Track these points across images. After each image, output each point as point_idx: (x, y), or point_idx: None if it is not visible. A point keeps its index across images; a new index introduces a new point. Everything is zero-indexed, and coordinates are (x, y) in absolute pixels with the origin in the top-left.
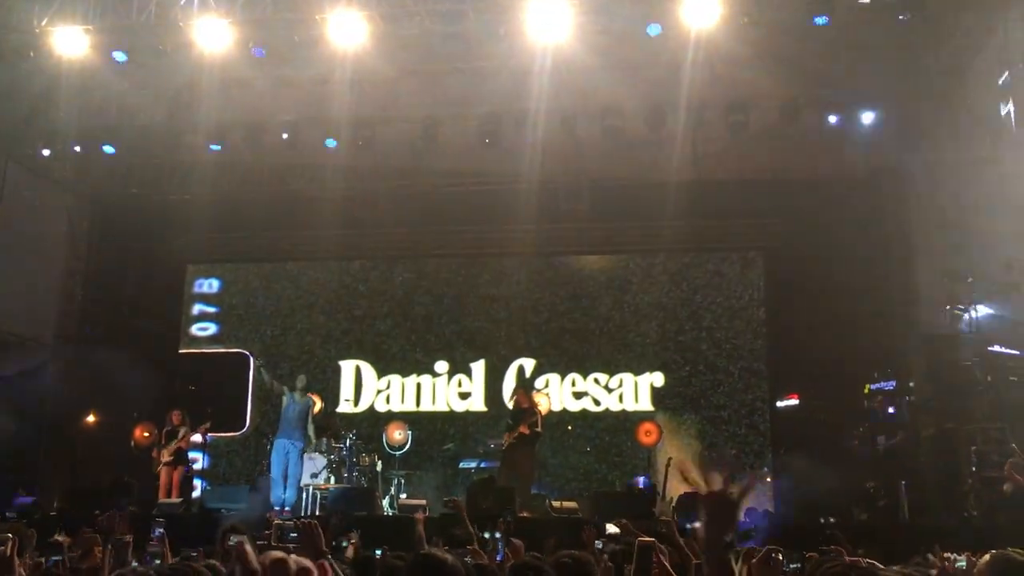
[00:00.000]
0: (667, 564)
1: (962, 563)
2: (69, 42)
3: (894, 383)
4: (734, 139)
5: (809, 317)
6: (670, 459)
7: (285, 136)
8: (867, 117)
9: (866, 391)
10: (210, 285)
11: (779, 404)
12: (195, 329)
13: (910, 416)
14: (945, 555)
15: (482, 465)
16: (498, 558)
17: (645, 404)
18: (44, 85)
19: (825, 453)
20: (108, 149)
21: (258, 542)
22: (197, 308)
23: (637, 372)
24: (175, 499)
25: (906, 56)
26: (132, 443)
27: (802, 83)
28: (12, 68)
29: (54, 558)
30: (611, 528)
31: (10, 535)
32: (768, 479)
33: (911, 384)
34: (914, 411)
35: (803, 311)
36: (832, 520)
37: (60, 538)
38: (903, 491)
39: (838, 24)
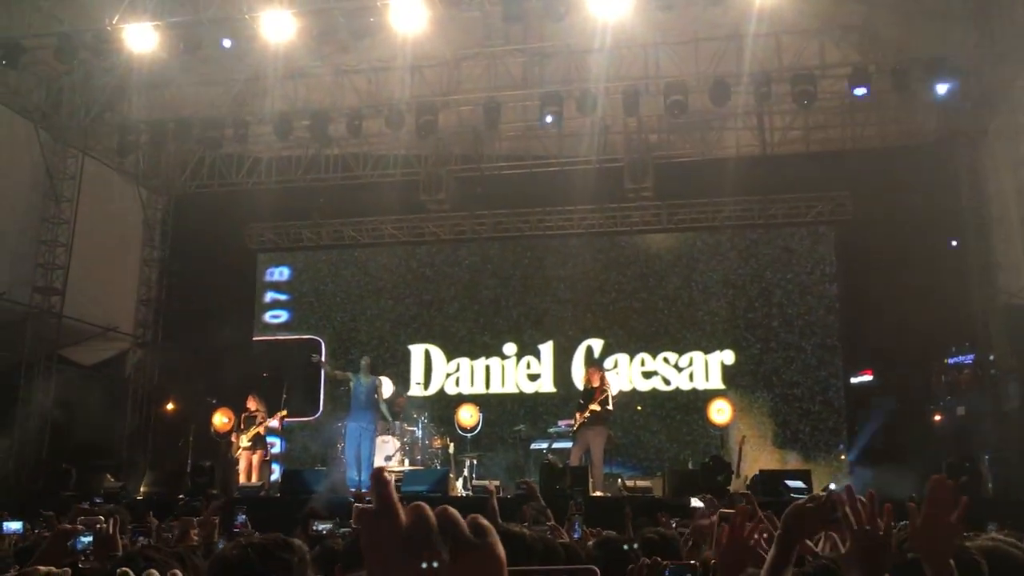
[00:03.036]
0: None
1: None
2: (139, 38)
3: (973, 356)
4: (801, 111)
5: (883, 291)
6: (743, 437)
7: (349, 124)
8: (940, 82)
9: (944, 364)
10: (281, 273)
11: (853, 380)
12: (268, 317)
13: (992, 389)
14: None
15: (553, 446)
16: (575, 536)
17: (716, 383)
18: (116, 81)
19: (902, 429)
20: (178, 142)
21: (341, 529)
22: (269, 296)
23: (707, 351)
24: (255, 482)
25: (980, 18)
26: (211, 429)
27: (871, 50)
28: (85, 65)
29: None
30: (695, 502)
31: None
32: (843, 456)
33: (991, 357)
34: (995, 383)
35: (876, 285)
36: (912, 496)
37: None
38: (986, 465)
39: None
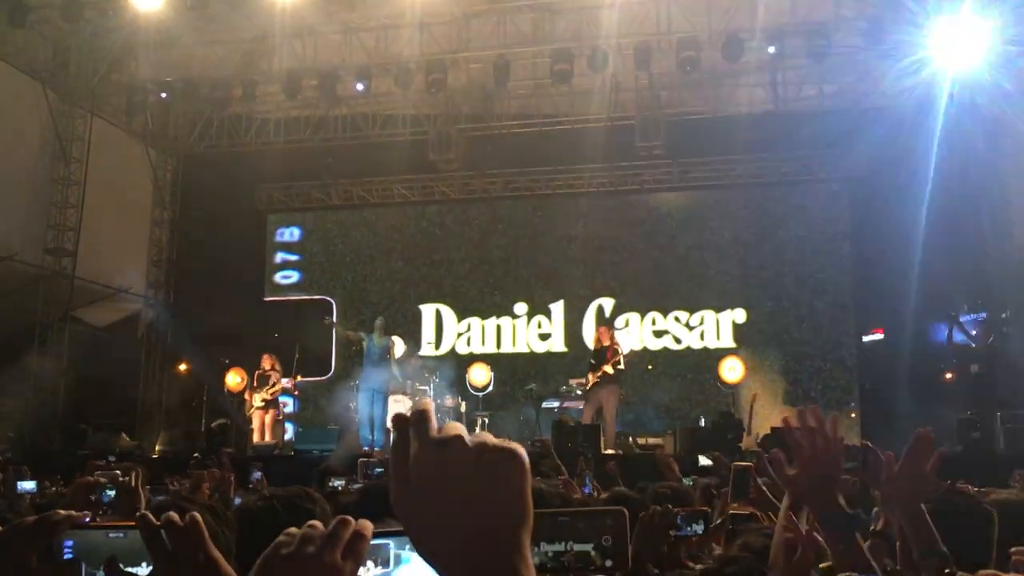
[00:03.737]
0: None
1: None
2: None
3: (985, 313)
4: (815, 66)
5: (896, 249)
6: (755, 395)
7: (357, 83)
8: (955, 31)
9: (957, 321)
10: (291, 234)
11: (864, 339)
12: (279, 277)
13: (1004, 346)
14: None
15: (565, 405)
16: (586, 491)
17: (727, 341)
18: (123, 40)
19: (914, 387)
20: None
21: (351, 486)
22: (280, 256)
23: (718, 309)
24: (269, 441)
25: None
26: (224, 388)
27: (886, 3)
28: (92, 24)
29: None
30: (703, 460)
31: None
32: (853, 415)
33: (1004, 315)
34: (1008, 340)
35: (889, 243)
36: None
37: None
38: (998, 422)
39: None
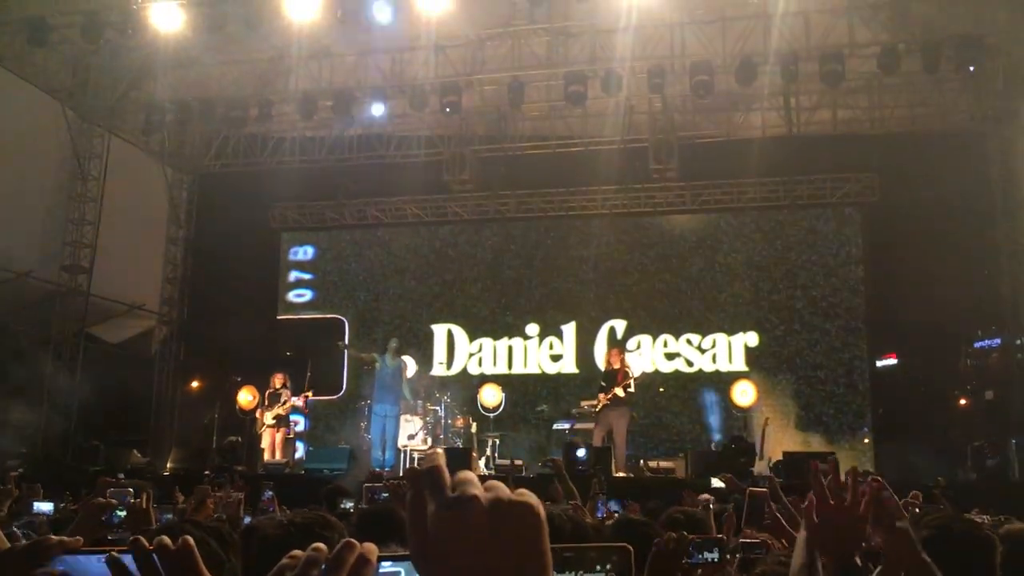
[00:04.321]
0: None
1: None
2: (165, 17)
3: (1000, 340)
4: (828, 91)
5: (909, 273)
6: (767, 419)
7: (371, 104)
8: (971, 63)
9: (971, 348)
10: (305, 252)
11: (878, 364)
12: (292, 296)
13: (1020, 373)
14: None
15: (576, 426)
16: (599, 515)
17: (739, 364)
18: (141, 60)
19: (928, 412)
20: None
21: (359, 505)
22: (293, 275)
23: (730, 332)
24: (280, 460)
25: None
26: (235, 406)
27: (900, 29)
28: (111, 45)
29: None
30: (716, 482)
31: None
32: (867, 440)
33: (1019, 341)
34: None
35: (903, 267)
36: (940, 479)
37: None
38: (1013, 449)
39: None
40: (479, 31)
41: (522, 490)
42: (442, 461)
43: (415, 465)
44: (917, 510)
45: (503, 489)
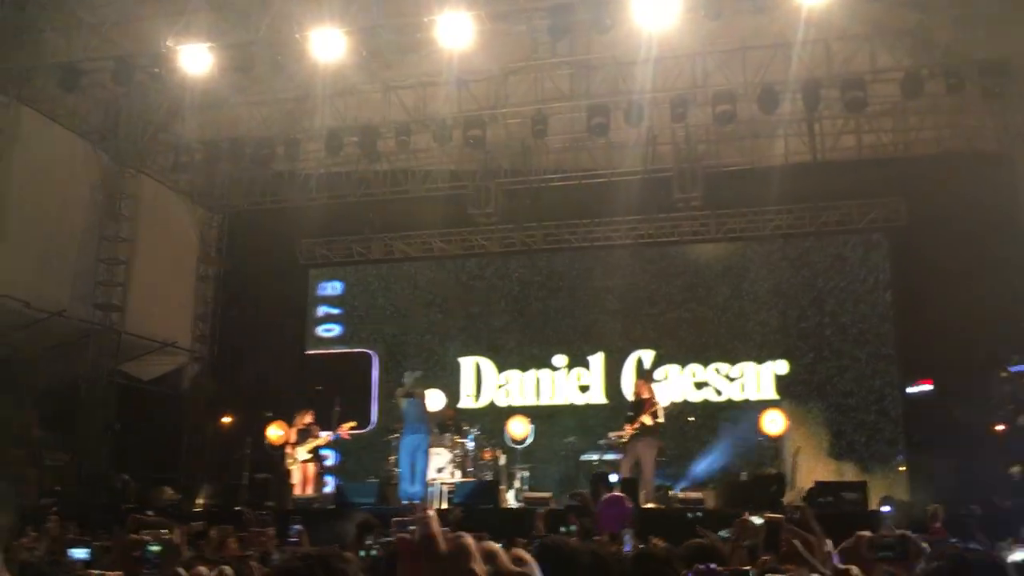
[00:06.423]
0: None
1: None
2: (193, 60)
3: None
4: (852, 117)
5: (939, 298)
6: (798, 448)
7: (396, 139)
8: (996, 87)
9: (1005, 373)
10: (333, 288)
11: (909, 390)
12: (320, 331)
13: None
14: None
15: (604, 457)
16: (625, 549)
17: (768, 393)
18: (171, 102)
19: (962, 439)
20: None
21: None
22: (321, 310)
23: (759, 360)
24: (310, 494)
25: None
26: (265, 442)
27: (923, 54)
28: (141, 87)
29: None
30: (757, 520)
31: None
32: (901, 468)
33: None
34: None
35: (933, 292)
36: (974, 507)
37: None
38: None
39: None
40: (502, 65)
41: (520, 555)
42: (435, 525)
43: (404, 534)
44: (938, 524)
45: (502, 559)
